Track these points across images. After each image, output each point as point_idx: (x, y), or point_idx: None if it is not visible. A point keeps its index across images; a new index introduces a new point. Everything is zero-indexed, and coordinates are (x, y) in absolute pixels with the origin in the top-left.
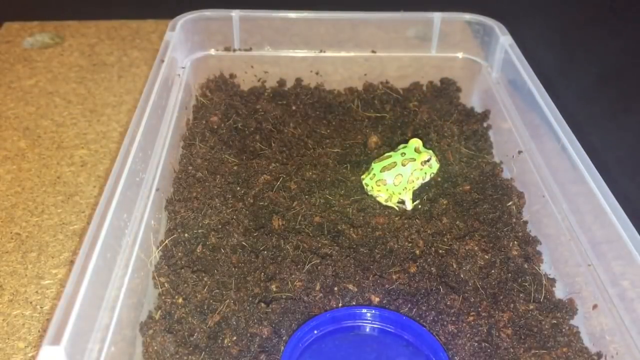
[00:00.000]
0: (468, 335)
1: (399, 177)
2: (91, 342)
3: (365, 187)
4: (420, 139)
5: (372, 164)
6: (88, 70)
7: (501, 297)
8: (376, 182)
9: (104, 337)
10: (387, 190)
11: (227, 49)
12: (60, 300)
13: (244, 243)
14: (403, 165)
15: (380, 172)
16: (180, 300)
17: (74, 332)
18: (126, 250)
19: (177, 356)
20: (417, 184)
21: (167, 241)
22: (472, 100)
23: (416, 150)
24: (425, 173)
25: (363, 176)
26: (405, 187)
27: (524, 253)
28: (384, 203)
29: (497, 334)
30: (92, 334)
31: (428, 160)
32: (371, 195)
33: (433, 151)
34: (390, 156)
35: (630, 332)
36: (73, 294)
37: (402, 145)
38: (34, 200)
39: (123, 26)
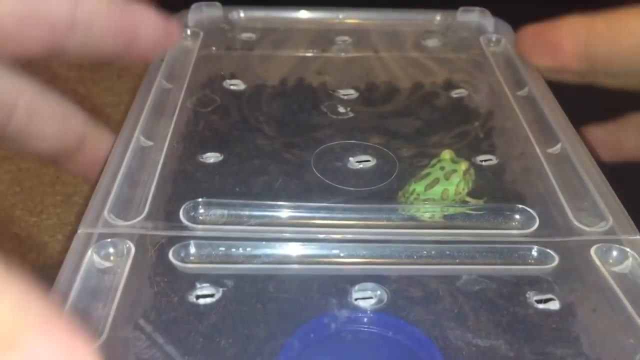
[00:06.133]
0: (466, 339)
1: (446, 192)
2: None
3: (404, 210)
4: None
5: (412, 184)
6: (87, 69)
7: (501, 302)
8: (423, 202)
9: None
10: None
11: (228, 48)
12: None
13: None
14: (447, 179)
15: (426, 191)
16: (175, 299)
17: None
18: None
19: (172, 357)
20: (464, 194)
21: (163, 240)
22: (475, 100)
23: (452, 161)
24: (468, 182)
25: (401, 199)
26: (454, 200)
27: None
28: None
29: (496, 339)
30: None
31: (469, 169)
32: (413, 216)
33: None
34: (429, 173)
35: (630, 338)
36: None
37: (434, 160)
38: (32, 200)
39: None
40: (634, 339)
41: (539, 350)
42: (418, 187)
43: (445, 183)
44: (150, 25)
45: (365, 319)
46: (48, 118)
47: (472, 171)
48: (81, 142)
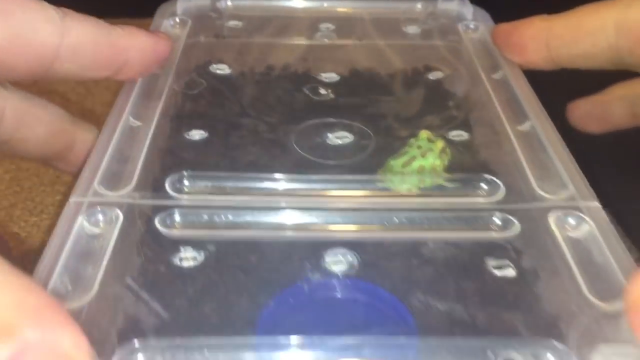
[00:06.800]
0: (428, 302)
1: (422, 168)
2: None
3: (381, 182)
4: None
5: (390, 161)
6: None
7: (462, 268)
8: (400, 178)
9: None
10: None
11: (215, 36)
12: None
13: None
14: (423, 157)
15: (403, 168)
16: (160, 262)
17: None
18: None
19: (156, 322)
20: (440, 172)
21: (149, 208)
22: (452, 82)
23: (429, 140)
24: (444, 160)
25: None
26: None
27: None
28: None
29: (455, 302)
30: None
31: (445, 148)
32: (390, 188)
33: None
34: (406, 151)
35: (573, 302)
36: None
37: (412, 139)
38: (32, 199)
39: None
40: (577, 304)
41: (493, 313)
42: (396, 164)
43: (421, 160)
44: (138, 50)
45: (340, 285)
46: (35, 123)
47: (448, 150)
48: (71, 142)
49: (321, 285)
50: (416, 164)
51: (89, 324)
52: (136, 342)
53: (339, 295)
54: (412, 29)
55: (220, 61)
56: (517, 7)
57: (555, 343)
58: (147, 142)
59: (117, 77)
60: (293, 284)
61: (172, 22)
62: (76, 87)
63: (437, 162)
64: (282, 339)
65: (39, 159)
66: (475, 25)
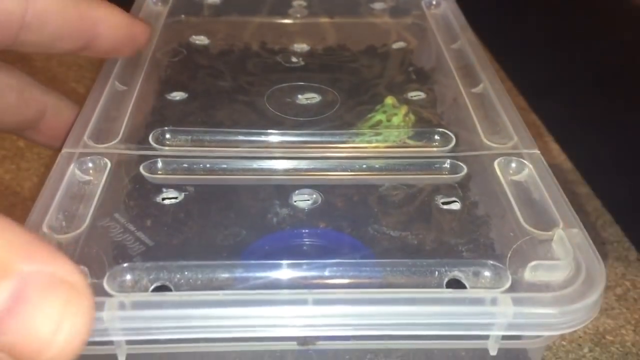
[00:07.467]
0: (382, 231)
1: (387, 130)
2: None
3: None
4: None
5: (359, 125)
6: (87, 69)
7: (413, 203)
8: (368, 138)
9: None
10: None
11: (195, 14)
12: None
13: None
14: (388, 120)
15: (370, 129)
16: (144, 201)
17: None
18: None
19: (142, 248)
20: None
21: (134, 157)
22: (413, 52)
23: (394, 106)
24: (408, 124)
25: None
26: (395, 140)
27: None
28: None
29: (404, 230)
30: None
31: (408, 113)
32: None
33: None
34: (373, 116)
35: (512, 231)
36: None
37: (378, 106)
38: (32, 200)
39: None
40: (514, 232)
41: (438, 239)
42: (364, 127)
43: (387, 123)
44: (111, 24)
45: (309, 233)
46: (6, 89)
47: (411, 115)
48: (42, 111)
49: (290, 233)
50: (382, 127)
51: (83, 251)
52: (124, 264)
53: (307, 242)
54: (378, 6)
55: (200, 34)
56: None
57: (493, 262)
58: (132, 103)
59: (85, 52)
60: (267, 233)
61: (154, 0)
62: (77, 87)
63: (402, 124)
64: (254, 263)
65: (12, 129)
66: (437, 1)
